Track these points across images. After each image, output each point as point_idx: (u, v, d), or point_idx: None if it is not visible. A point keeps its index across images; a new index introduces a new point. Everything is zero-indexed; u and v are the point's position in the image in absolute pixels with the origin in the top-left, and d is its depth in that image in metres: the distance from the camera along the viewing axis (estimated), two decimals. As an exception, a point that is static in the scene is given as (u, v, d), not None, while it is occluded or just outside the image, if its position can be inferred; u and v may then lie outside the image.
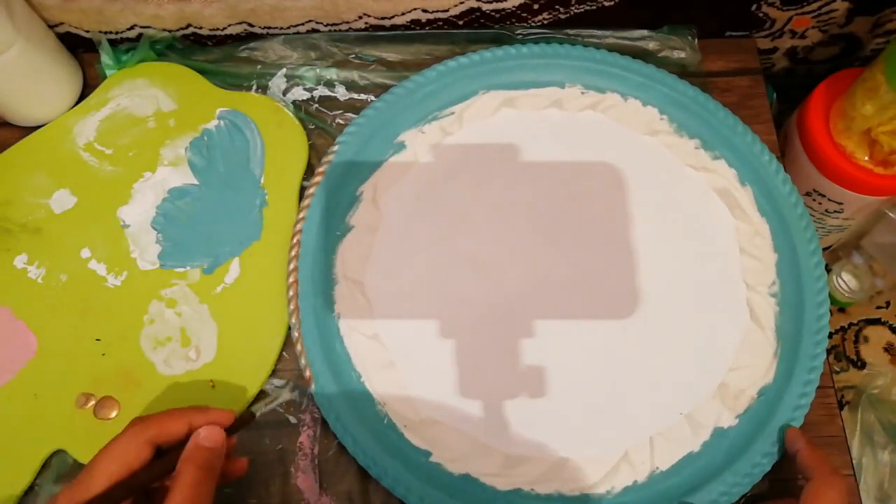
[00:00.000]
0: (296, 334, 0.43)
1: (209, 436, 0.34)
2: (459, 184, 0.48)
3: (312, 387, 0.42)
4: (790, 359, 0.43)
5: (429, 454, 0.41)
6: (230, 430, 0.35)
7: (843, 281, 0.72)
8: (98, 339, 0.45)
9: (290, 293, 0.44)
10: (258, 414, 0.38)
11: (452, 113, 0.50)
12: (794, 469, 0.40)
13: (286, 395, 0.44)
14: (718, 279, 0.46)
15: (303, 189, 0.49)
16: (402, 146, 0.49)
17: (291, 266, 0.45)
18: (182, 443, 0.34)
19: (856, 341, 0.77)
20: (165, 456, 0.33)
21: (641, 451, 0.41)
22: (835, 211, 0.58)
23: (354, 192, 0.48)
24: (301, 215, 0.46)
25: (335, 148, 0.48)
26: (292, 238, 0.45)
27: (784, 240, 0.46)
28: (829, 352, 0.43)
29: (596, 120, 0.50)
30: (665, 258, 0.46)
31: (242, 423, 0.36)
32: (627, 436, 0.42)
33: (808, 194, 0.58)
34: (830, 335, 0.76)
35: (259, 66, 0.53)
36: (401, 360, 0.44)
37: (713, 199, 0.48)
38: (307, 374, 0.42)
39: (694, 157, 0.49)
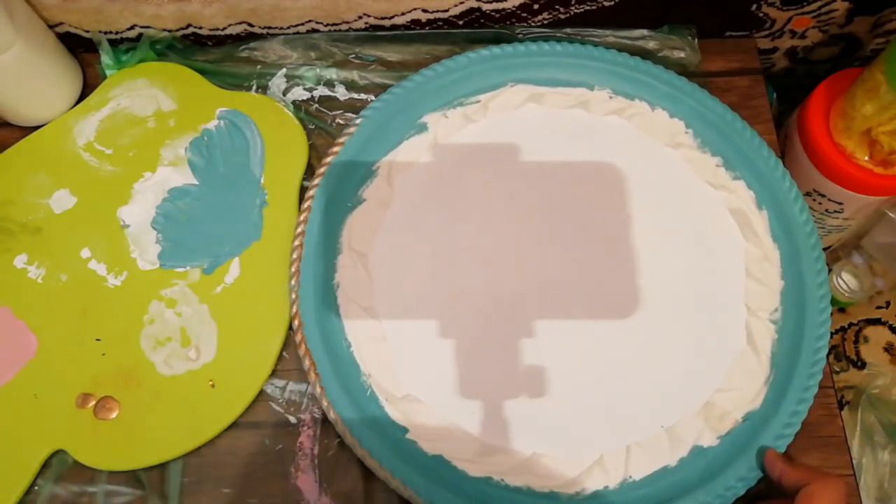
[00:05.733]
0: (293, 296, 0.43)
1: None
2: (474, 173, 0.49)
3: (302, 349, 0.42)
4: (781, 388, 0.42)
5: (406, 431, 0.41)
6: None
7: (843, 281, 0.72)
8: (98, 339, 0.45)
9: (294, 256, 0.44)
10: None
11: (478, 101, 0.50)
12: (771, 492, 0.40)
13: (286, 396, 0.44)
14: (720, 298, 0.46)
15: (303, 189, 0.49)
16: (423, 127, 0.49)
17: (298, 230, 0.45)
18: None
19: (856, 341, 0.77)
20: None
21: (617, 457, 0.41)
22: (835, 211, 0.58)
23: (371, 167, 0.48)
24: (310, 193, 0.46)
25: (358, 120, 0.48)
26: (301, 205, 0.46)
27: (793, 269, 0.45)
28: (829, 352, 0.43)
29: (620, 126, 0.50)
30: (669, 270, 0.46)
31: None
32: (605, 440, 0.42)
33: (808, 194, 0.58)
34: (830, 335, 0.76)
35: (259, 66, 0.53)
36: (392, 336, 0.44)
37: (726, 219, 0.48)
38: (298, 337, 0.43)
39: (713, 174, 0.49)
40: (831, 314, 0.44)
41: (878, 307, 0.79)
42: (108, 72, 0.52)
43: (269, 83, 0.52)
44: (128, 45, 0.53)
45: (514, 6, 0.52)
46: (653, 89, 0.50)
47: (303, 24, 0.53)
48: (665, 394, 0.43)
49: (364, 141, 0.48)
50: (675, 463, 0.41)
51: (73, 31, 0.53)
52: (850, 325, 0.78)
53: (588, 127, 0.50)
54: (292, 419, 0.44)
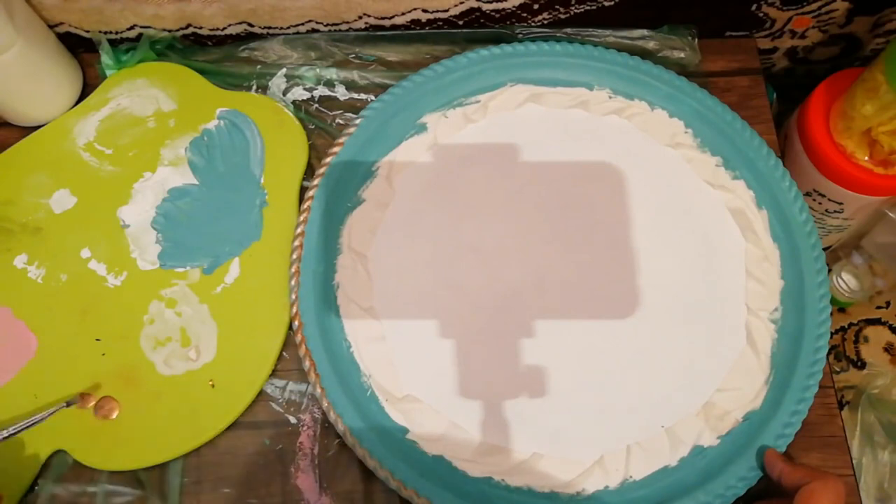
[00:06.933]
0: (293, 296, 0.43)
1: None
2: (474, 173, 0.49)
3: (302, 349, 0.42)
4: (781, 387, 0.42)
5: (406, 431, 0.41)
6: None
7: (843, 281, 0.72)
8: (98, 339, 0.45)
9: (294, 256, 0.44)
10: None
11: (478, 101, 0.50)
12: (771, 492, 0.40)
13: (286, 395, 0.44)
14: (720, 298, 0.45)
15: (303, 189, 0.49)
16: (423, 128, 0.50)
17: (298, 231, 0.45)
18: None
19: (856, 341, 0.77)
20: None
21: (617, 457, 0.41)
22: (835, 211, 0.58)
23: (371, 167, 0.48)
24: (310, 193, 0.46)
25: (358, 121, 0.48)
26: (301, 205, 0.46)
27: (793, 268, 0.45)
28: (829, 352, 0.43)
29: (619, 126, 0.50)
30: (669, 270, 0.46)
31: None
32: (605, 440, 0.42)
33: (808, 194, 0.58)
34: (830, 335, 0.76)
35: (259, 66, 0.53)
36: (392, 336, 0.44)
37: (726, 218, 0.48)
38: (298, 338, 0.43)
39: (713, 174, 0.49)
40: (831, 314, 0.44)
41: (878, 307, 0.79)
42: (108, 72, 0.52)
43: (269, 83, 0.52)
44: (128, 45, 0.53)
45: (514, 6, 0.52)
46: (652, 89, 0.50)
47: (303, 24, 0.53)
48: (665, 394, 0.43)
49: (364, 141, 0.48)
50: (675, 463, 0.41)
51: (73, 31, 0.53)
52: (850, 325, 0.78)
53: (588, 127, 0.50)
54: (292, 419, 0.44)
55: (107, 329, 0.45)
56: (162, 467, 0.42)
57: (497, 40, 0.53)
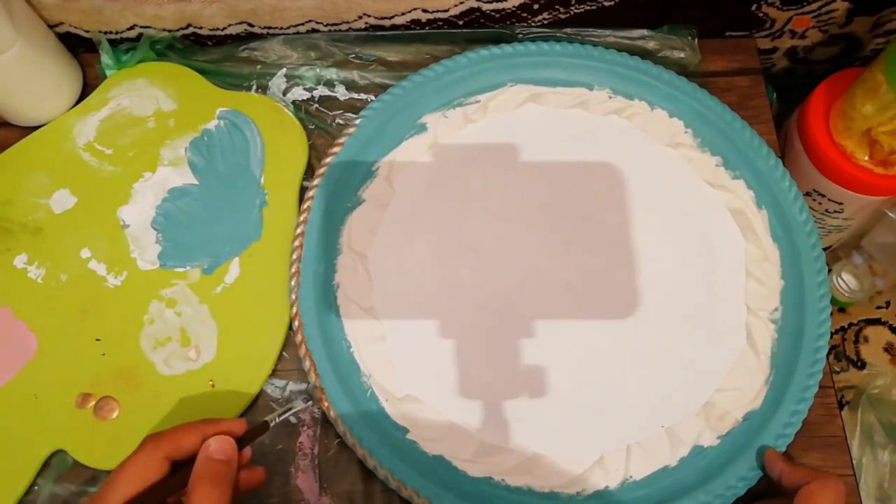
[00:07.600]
0: (293, 296, 0.43)
1: (219, 448, 0.33)
2: (474, 173, 0.49)
3: (302, 350, 0.42)
4: (781, 387, 0.42)
5: (406, 431, 0.41)
6: (244, 441, 0.35)
7: (843, 281, 0.72)
8: (98, 339, 0.45)
9: (294, 256, 0.44)
10: (272, 424, 0.38)
11: (478, 101, 0.50)
12: (771, 492, 0.40)
13: (286, 395, 0.44)
14: (720, 298, 0.45)
15: (303, 189, 0.49)
16: (423, 128, 0.50)
17: (298, 231, 0.45)
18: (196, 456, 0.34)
19: (856, 341, 0.77)
20: (181, 470, 0.33)
21: (617, 457, 0.41)
22: (835, 211, 0.58)
23: (371, 167, 0.48)
24: (310, 194, 0.46)
25: (358, 121, 0.48)
26: (301, 205, 0.46)
27: (793, 269, 0.45)
28: (829, 352, 0.43)
29: (619, 125, 0.50)
30: (669, 270, 0.46)
31: (256, 434, 0.36)
32: (605, 440, 0.42)
33: (808, 194, 0.58)
34: (830, 335, 0.76)
35: (259, 66, 0.53)
36: (392, 336, 0.44)
37: (726, 218, 0.48)
38: (298, 338, 0.43)
39: (713, 174, 0.49)
40: (831, 314, 0.44)
41: (878, 307, 0.79)
42: (108, 72, 0.52)
43: (269, 83, 0.52)
44: (128, 45, 0.53)
45: (514, 6, 0.52)
46: (652, 89, 0.50)
47: (303, 24, 0.53)
48: (665, 394, 0.43)
49: (364, 141, 0.48)
50: (675, 463, 0.41)
51: (73, 31, 0.53)
52: (850, 325, 0.78)
53: (588, 127, 0.50)
54: (292, 419, 0.44)
55: (107, 329, 0.45)
56: (162, 467, 0.42)
57: (497, 40, 0.53)
